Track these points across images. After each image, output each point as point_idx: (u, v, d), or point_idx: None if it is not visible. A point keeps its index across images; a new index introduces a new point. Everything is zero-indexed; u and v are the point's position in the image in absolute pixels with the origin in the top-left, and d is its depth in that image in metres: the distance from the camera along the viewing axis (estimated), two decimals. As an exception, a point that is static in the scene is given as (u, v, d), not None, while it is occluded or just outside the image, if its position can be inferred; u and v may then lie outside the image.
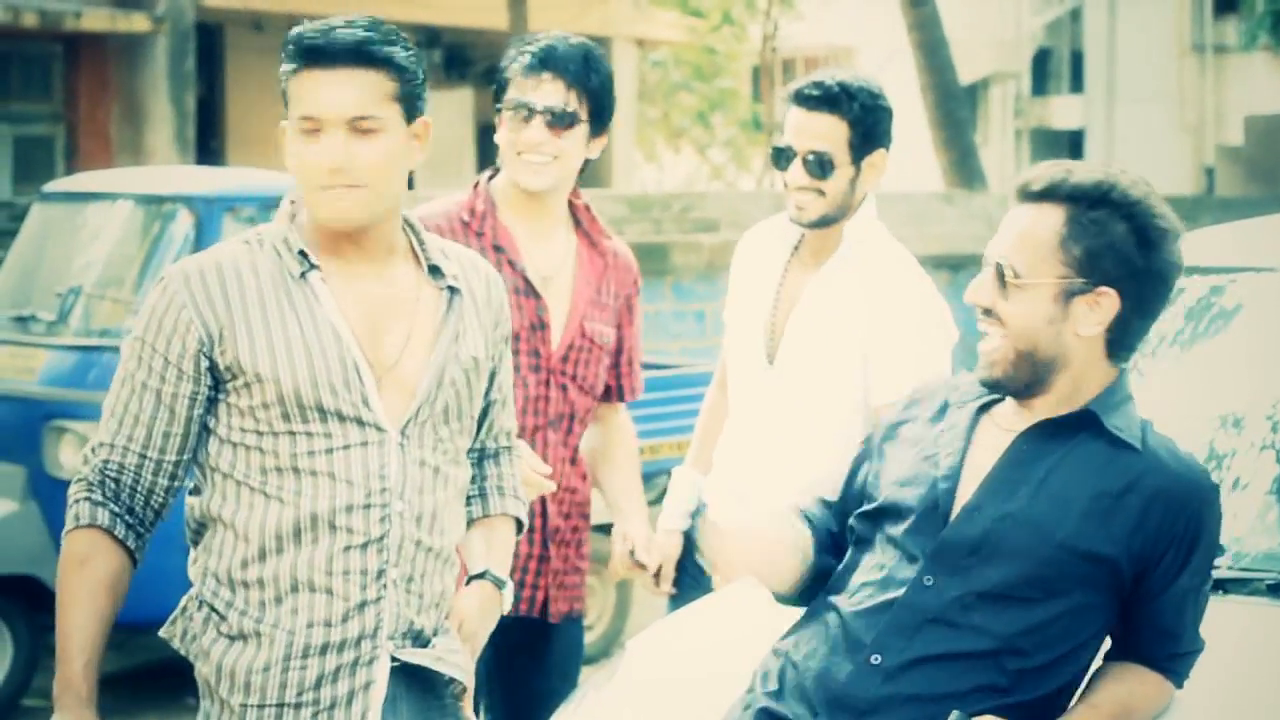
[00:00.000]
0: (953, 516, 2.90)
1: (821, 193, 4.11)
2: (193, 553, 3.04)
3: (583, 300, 4.05)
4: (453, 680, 3.05)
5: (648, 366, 9.23)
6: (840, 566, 3.04)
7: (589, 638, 7.79)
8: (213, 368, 2.92)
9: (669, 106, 28.01)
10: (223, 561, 2.96)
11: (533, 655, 4.11)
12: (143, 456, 2.95)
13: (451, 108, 23.15)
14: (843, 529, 3.10)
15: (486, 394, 3.15)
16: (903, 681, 2.83)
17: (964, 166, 17.16)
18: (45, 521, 7.15)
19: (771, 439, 4.17)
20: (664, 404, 8.02)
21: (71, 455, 7.12)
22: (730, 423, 4.34)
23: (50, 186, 8.73)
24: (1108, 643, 2.95)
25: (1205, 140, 27.99)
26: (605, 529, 4.39)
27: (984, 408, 3.01)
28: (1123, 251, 2.86)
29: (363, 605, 2.94)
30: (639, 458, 4.36)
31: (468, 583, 3.16)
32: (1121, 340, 2.92)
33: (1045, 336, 2.88)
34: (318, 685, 2.92)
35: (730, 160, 28.06)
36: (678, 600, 4.37)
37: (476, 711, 3.83)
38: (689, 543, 4.45)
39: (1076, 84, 31.28)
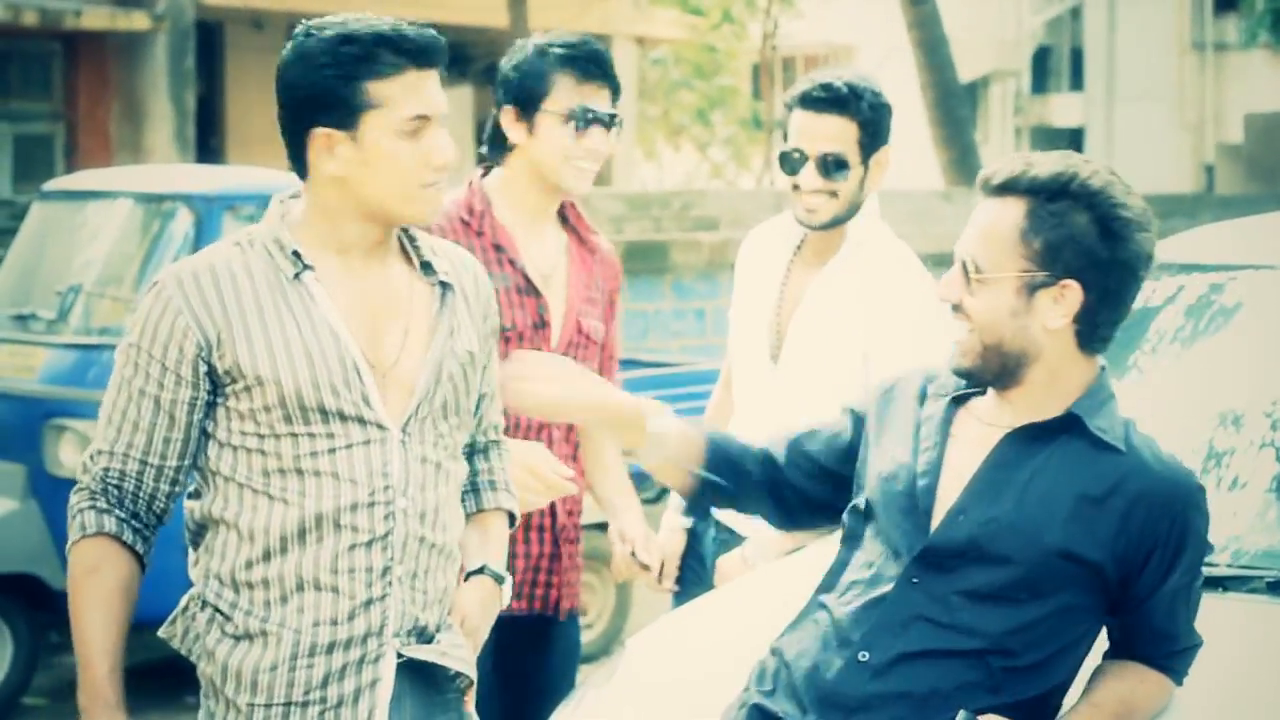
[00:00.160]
0: (936, 516, 2.90)
1: (834, 194, 4.12)
2: (193, 554, 3.04)
3: (578, 297, 4.06)
4: (458, 675, 3.06)
5: (647, 365, 9.24)
6: (832, 564, 3.04)
7: (589, 636, 7.82)
8: (211, 372, 2.92)
9: (669, 104, 28.01)
10: (225, 563, 2.95)
11: (535, 652, 4.12)
12: (144, 463, 2.95)
13: (451, 105, 23.09)
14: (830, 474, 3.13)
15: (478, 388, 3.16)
16: (891, 679, 2.83)
17: (964, 164, 17.17)
18: (45, 520, 7.15)
19: (775, 437, 4.17)
20: (664, 402, 8.01)
21: (71, 453, 7.12)
22: (735, 420, 4.34)
23: (50, 185, 8.72)
24: (1106, 641, 2.95)
25: (1205, 138, 28.01)
26: (602, 526, 4.39)
27: (962, 400, 3.00)
28: (1084, 243, 2.83)
29: (368, 603, 2.94)
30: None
31: (466, 578, 3.17)
32: (1091, 332, 2.89)
33: (1010, 330, 2.87)
34: (325, 684, 2.93)
35: (730, 158, 28.06)
36: (681, 597, 4.37)
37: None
38: (692, 539, 4.46)
39: (1076, 82, 31.30)
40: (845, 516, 3.06)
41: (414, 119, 2.92)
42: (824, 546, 3.64)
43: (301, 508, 2.91)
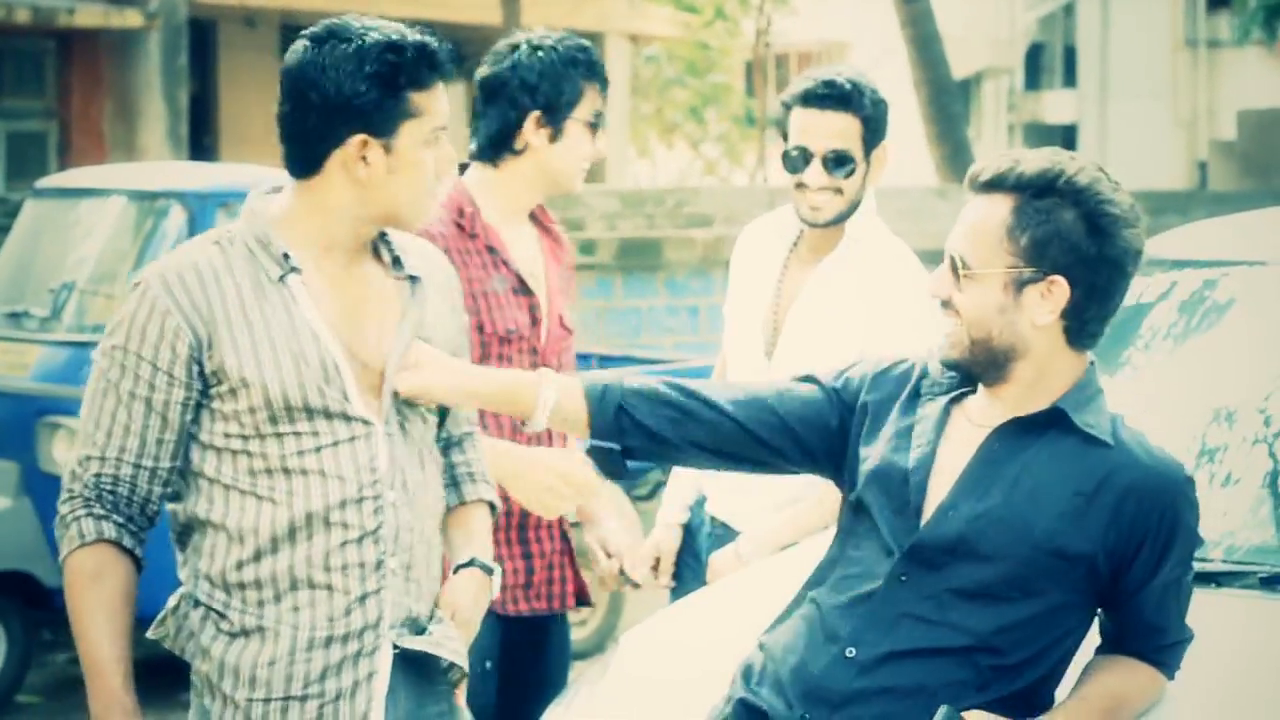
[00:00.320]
0: (926, 513, 2.90)
1: (840, 191, 4.14)
2: (180, 554, 3.03)
3: (556, 290, 4.07)
4: (451, 667, 3.06)
5: (641, 361, 9.23)
6: (823, 558, 3.04)
7: (584, 632, 7.82)
8: (201, 373, 2.92)
9: (662, 102, 27.99)
10: (215, 564, 2.95)
11: (535, 650, 4.11)
12: (137, 466, 2.94)
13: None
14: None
15: None
16: (877, 675, 2.84)
17: (957, 161, 17.16)
18: (39, 518, 7.14)
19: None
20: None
21: (65, 451, 7.11)
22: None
23: (43, 183, 8.72)
24: (1096, 635, 2.95)
25: (1198, 135, 28.01)
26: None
27: (957, 400, 3.00)
28: (1070, 239, 2.84)
29: (364, 598, 2.95)
30: None
31: (455, 571, 3.17)
32: (1080, 328, 2.90)
33: (998, 326, 2.87)
34: (323, 677, 2.94)
35: (723, 155, 28.04)
36: (676, 593, 4.38)
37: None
38: (688, 535, 4.46)
39: (1070, 79, 31.30)
40: (839, 512, 3.06)
41: (437, 129, 2.97)
42: (817, 543, 3.65)
43: (291, 507, 2.92)
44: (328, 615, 2.93)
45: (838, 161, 4.11)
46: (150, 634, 3.04)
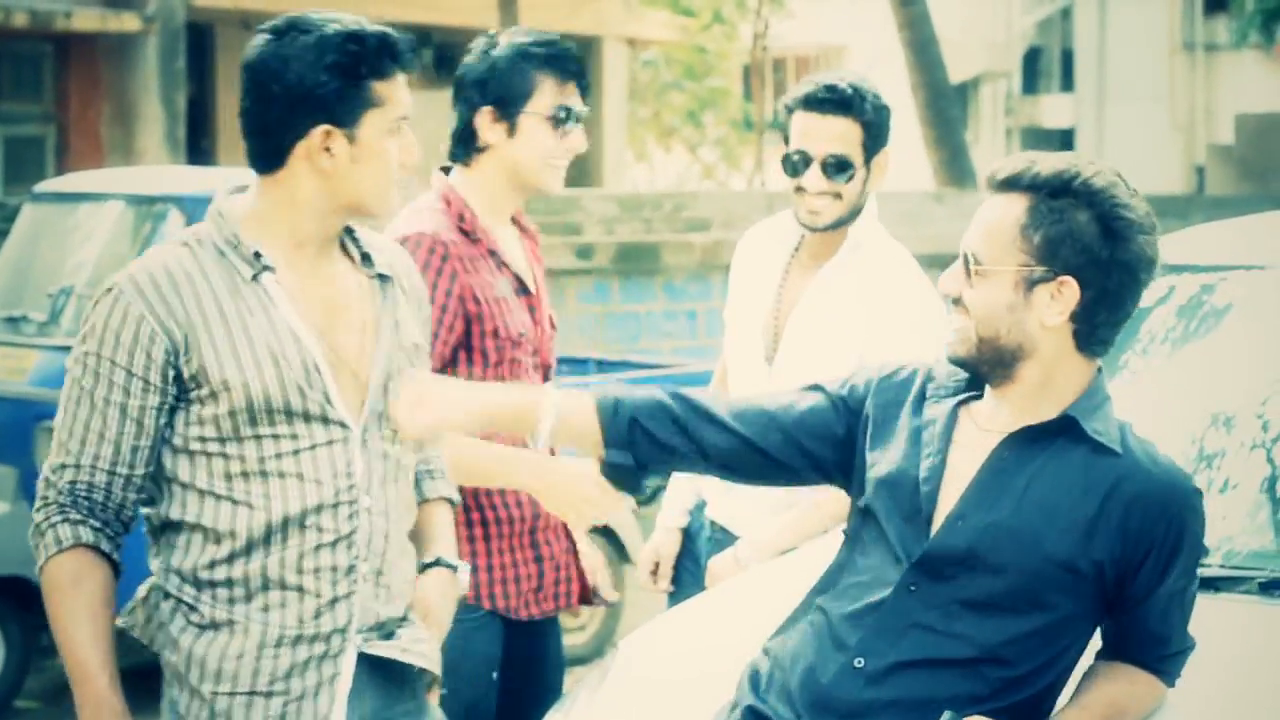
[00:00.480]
0: (936, 522, 2.88)
1: (839, 196, 4.13)
2: (153, 545, 3.01)
3: (541, 288, 4.05)
4: (423, 671, 3.08)
5: (639, 366, 9.23)
6: (830, 565, 3.04)
7: (582, 637, 7.83)
8: (178, 377, 2.90)
9: (660, 106, 28.02)
10: (188, 560, 2.95)
11: (535, 654, 4.10)
12: (112, 474, 2.92)
13: (442, 107, 23.09)
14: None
15: None
16: (886, 686, 2.83)
17: (955, 165, 17.19)
18: (37, 522, 7.13)
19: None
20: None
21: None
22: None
23: (41, 187, 8.72)
24: (1098, 640, 2.95)
25: (1196, 139, 28.03)
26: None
27: (963, 403, 3.00)
28: (1083, 241, 2.82)
29: (334, 601, 2.95)
30: None
31: (421, 570, 3.17)
32: (1090, 333, 2.88)
33: (1006, 324, 2.86)
34: (288, 675, 2.94)
35: (721, 159, 28.07)
36: (675, 597, 4.38)
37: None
38: (687, 539, 4.46)
39: (1067, 83, 31.32)
40: (847, 519, 3.06)
41: (399, 118, 2.97)
42: (817, 547, 3.65)
43: (268, 510, 2.91)
44: (297, 617, 2.94)
45: (837, 166, 4.11)
46: (119, 622, 3.02)
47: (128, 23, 18.69)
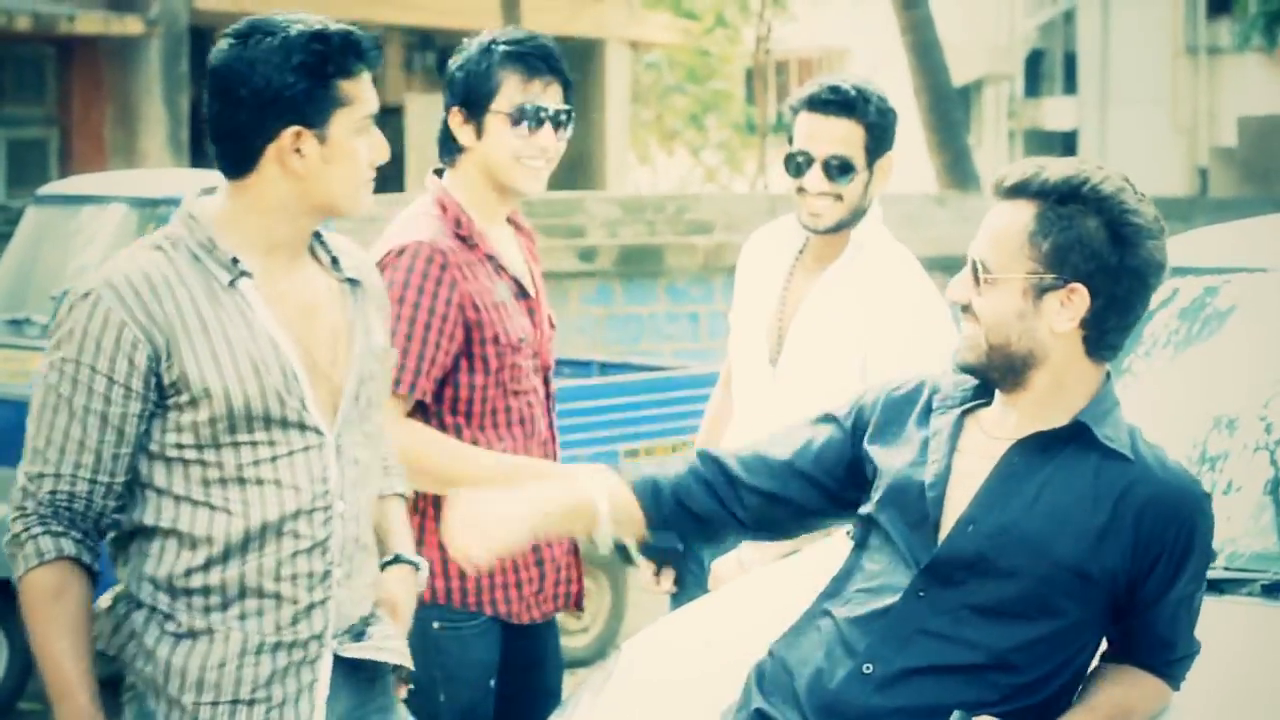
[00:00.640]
0: (944, 527, 2.88)
1: (839, 198, 4.13)
2: (119, 555, 2.98)
3: (539, 289, 4.04)
4: (397, 666, 3.09)
5: (641, 369, 9.22)
6: (838, 570, 3.03)
7: (585, 640, 7.82)
8: (159, 384, 2.87)
9: (662, 109, 28.03)
10: (162, 568, 2.92)
11: (534, 658, 4.10)
12: (93, 482, 2.89)
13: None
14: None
15: None
16: (893, 692, 2.82)
17: (958, 168, 17.18)
18: (40, 525, 7.13)
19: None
20: (657, 406, 8.02)
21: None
22: (734, 424, 4.34)
23: (44, 190, 8.72)
24: (1104, 643, 2.95)
25: (1199, 141, 28.00)
26: None
27: (970, 412, 2.99)
28: (1092, 247, 2.82)
29: (310, 607, 2.96)
30: None
31: (381, 569, 3.16)
32: (1100, 339, 2.88)
33: (1016, 331, 2.85)
34: (269, 682, 2.93)
35: (724, 162, 28.09)
36: (678, 599, 4.37)
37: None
38: (688, 541, 4.46)
39: (1070, 86, 31.29)
40: (854, 524, 3.06)
41: (367, 117, 2.97)
42: (819, 550, 3.65)
43: (246, 517, 2.90)
44: (275, 623, 2.93)
45: (839, 168, 4.11)
46: None
47: (131, 26, 18.69)
